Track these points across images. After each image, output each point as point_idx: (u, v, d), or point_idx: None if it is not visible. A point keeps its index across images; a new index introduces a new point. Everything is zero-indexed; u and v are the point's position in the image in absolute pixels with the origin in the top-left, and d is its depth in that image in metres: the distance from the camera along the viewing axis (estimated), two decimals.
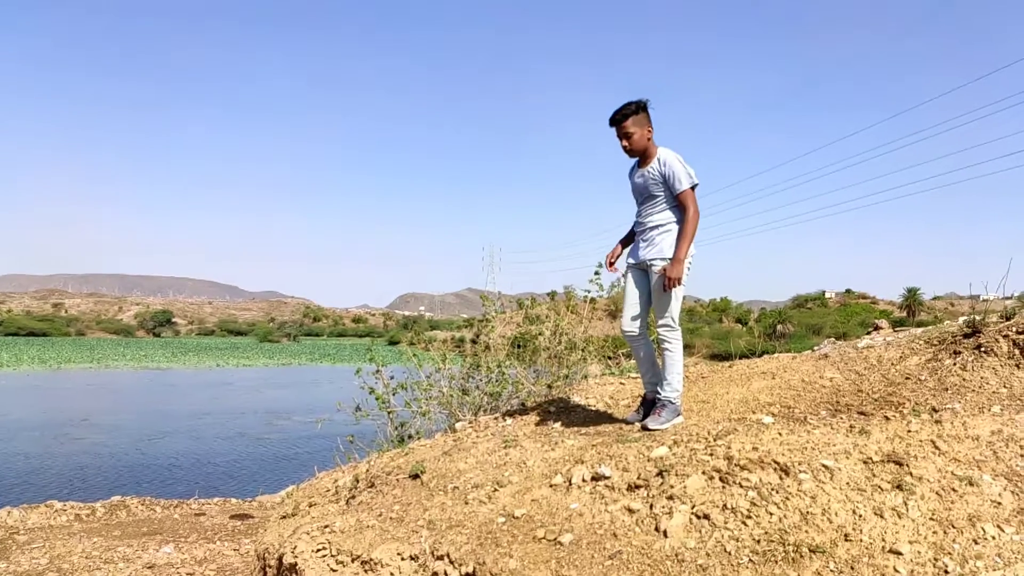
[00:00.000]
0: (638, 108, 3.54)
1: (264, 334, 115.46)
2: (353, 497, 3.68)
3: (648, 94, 3.62)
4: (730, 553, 2.09)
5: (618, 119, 3.55)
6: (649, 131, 3.58)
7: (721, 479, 2.41)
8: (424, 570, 2.56)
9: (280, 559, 3.12)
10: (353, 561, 2.76)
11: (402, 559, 2.65)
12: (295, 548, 3.01)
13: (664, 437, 3.02)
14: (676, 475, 2.52)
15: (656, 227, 3.60)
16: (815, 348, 5.60)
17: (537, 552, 2.37)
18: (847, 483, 2.25)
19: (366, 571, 2.69)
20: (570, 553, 2.32)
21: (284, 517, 3.87)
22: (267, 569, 3.33)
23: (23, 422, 21.46)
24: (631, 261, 3.74)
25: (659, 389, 3.57)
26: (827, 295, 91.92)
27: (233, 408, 26.56)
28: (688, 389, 4.50)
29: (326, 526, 3.11)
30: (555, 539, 2.42)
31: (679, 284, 3.45)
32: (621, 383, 5.22)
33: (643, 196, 3.66)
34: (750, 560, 2.04)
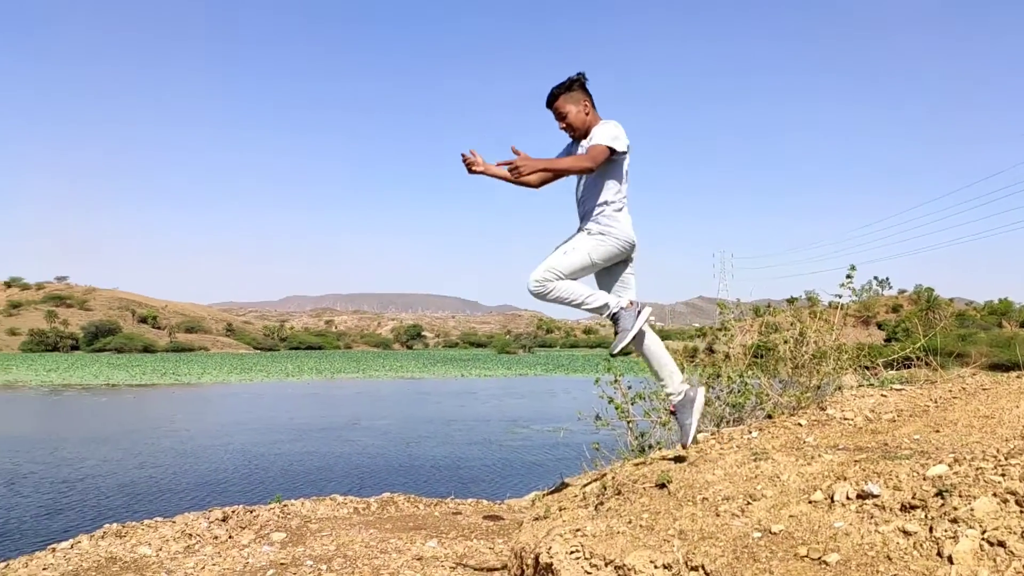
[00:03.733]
0: (571, 84, 3.32)
1: (502, 346, 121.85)
2: (601, 503, 3.77)
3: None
4: None
5: (550, 100, 3.35)
6: (586, 106, 3.34)
7: (1017, 502, 2.14)
8: None
9: (536, 558, 3.30)
10: (607, 565, 2.84)
11: (655, 567, 2.68)
12: (550, 549, 3.16)
13: (942, 455, 2.73)
14: (960, 496, 2.27)
15: (589, 201, 3.37)
16: None
17: (800, 570, 2.27)
18: None
19: None
20: (838, 574, 2.19)
21: (537, 519, 4.07)
22: (524, 568, 3.53)
23: (308, 425, 24.69)
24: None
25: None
26: None
27: (478, 415, 28.31)
28: (967, 403, 4.01)
29: (578, 530, 3.23)
30: (819, 558, 2.30)
31: (520, 174, 3.06)
32: (883, 395, 4.78)
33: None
34: None
